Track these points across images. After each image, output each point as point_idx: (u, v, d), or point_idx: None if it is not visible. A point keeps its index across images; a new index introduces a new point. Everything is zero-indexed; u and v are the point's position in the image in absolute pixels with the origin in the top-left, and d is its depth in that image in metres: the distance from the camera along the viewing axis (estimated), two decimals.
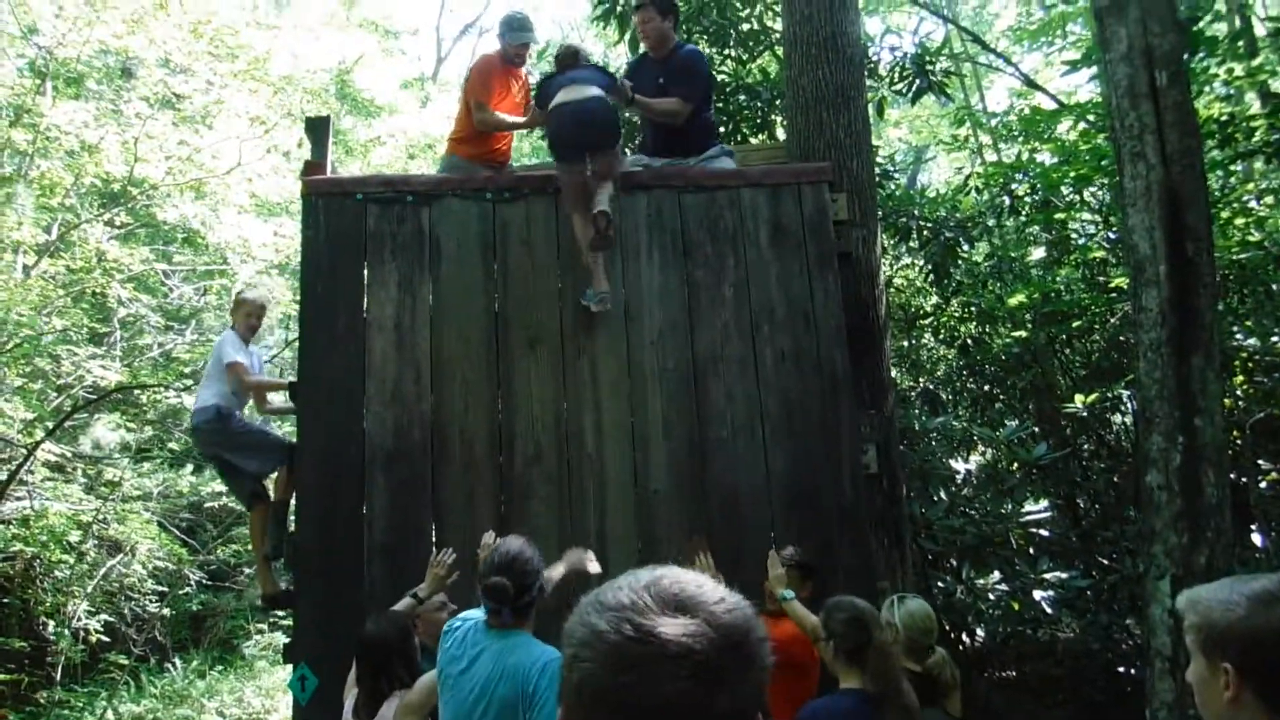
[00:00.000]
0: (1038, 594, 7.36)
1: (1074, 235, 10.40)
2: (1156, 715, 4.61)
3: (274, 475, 6.12)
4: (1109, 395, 8.60)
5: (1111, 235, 9.43)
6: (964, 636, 7.98)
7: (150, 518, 12.69)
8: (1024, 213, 10.27)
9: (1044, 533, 7.94)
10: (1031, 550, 7.92)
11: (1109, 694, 7.39)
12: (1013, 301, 9.50)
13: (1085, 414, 8.52)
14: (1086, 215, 10.31)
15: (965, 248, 9.95)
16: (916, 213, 9.57)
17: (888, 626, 3.99)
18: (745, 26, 9.82)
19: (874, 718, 3.36)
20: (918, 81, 9.37)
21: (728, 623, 1.13)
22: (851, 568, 4.99)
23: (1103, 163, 8.91)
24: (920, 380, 10.31)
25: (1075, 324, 9.43)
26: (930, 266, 9.62)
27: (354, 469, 5.11)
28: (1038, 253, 10.82)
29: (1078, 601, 7.63)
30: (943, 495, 7.99)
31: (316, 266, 5.43)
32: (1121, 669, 7.56)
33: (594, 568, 4.33)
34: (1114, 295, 9.01)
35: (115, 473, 12.86)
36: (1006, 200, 10.09)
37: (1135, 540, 7.21)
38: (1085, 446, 9.38)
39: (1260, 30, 11.77)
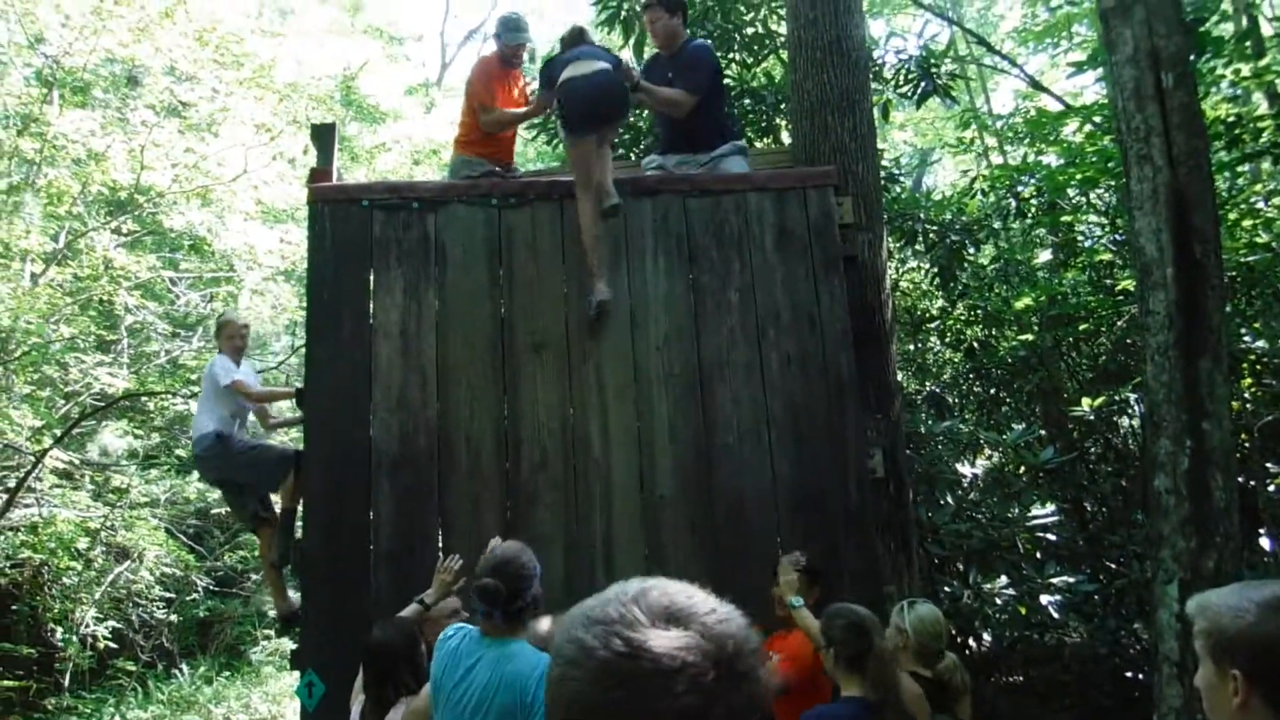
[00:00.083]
0: (1045, 598, 7.33)
1: (1080, 238, 10.38)
2: None
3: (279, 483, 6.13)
4: (1116, 398, 8.58)
5: (1118, 238, 9.41)
6: (970, 641, 7.96)
7: (158, 524, 12.72)
8: (1030, 215, 10.26)
9: (1051, 537, 7.91)
10: (1038, 554, 7.89)
11: (1116, 699, 7.36)
12: (1019, 304, 9.49)
13: (1092, 417, 8.50)
14: (1093, 218, 10.29)
15: (971, 251, 9.95)
16: (922, 216, 9.56)
17: (898, 632, 3.97)
18: (750, 30, 9.82)
19: None
20: (923, 84, 9.36)
21: (721, 634, 1.09)
22: (858, 572, 4.97)
23: (1109, 165, 8.89)
24: (926, 384, 10.30)
25: (1082, 327, 9.42)
26: (936, 270, 9.61)
27: (360, 475, 5.11)
28: (1044, 255, 10.81)
29: (1085, 606, 7.60)
30: (949, 499, 7.97)
31: (322, 273, 5.43)
32: (1129, 674, 7.53)
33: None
34: (1121, 298, 8.99)
35: (123, 480, 12.89)
36: (1012, 203, 10.08)
37: (1143, 544, 7.18)
38: (1092, 450, 9.36)
39: (1267, 30, 11.77)
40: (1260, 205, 9.50)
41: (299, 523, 5.74)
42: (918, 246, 9.74)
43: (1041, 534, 7.83)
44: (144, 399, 13.43)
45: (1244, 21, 11.93)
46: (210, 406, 6.11)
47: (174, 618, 13.17)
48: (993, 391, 10.31)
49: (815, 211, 5.55)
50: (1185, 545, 4.68)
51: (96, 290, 12.81)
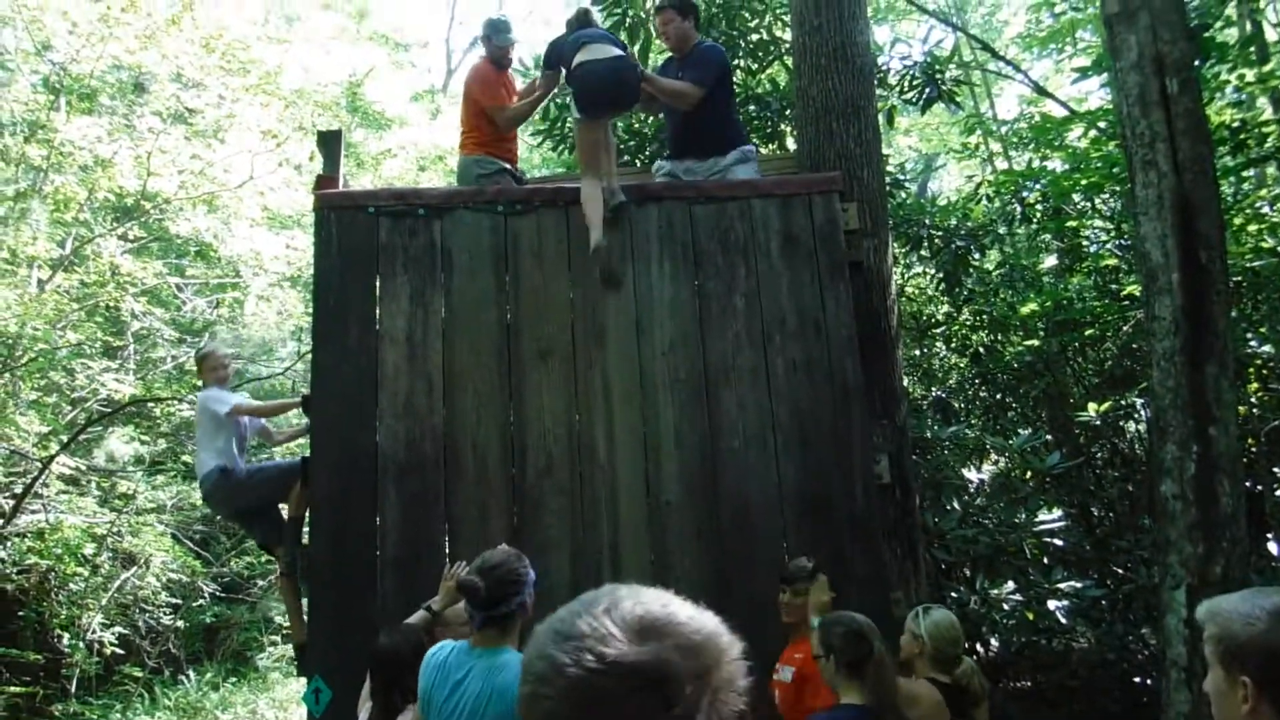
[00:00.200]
0: (1052, 604, 7.32)
1: (1086, 243, 10.38)
2: None
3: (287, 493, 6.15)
4: (1122, 403, 8.57)
5: (1123, 243, 9.41)
6: (978, 647, 7.94)
7: (164, 530, 12.75)
8: (1035, 221, 10.25)
9: (1058, 542, 7.89)
10: (1045, 560, 7.88)
11: (1124, 704, 7.35)
12: (1025, 310, 9.48)
13: (1098, 422, 8.49)
14: (1098, 223, 10.28)
15: (976, 256, 9.95)
16: (927, 221, 9.56)
17: (914, 639, 3.95)
18: (755, 37, 9.83)
19: None
20: (928, 90, 9.37)
21: (700, 644, 1.04)
22: (864, 578, 4.97)
23: (1114, 170, 8.89)
24: (932, 389, 10.29)
25: (1088, 332, 9.41)
26: (941, 275, 9.61)
27: (366, 482, 5.12)
28: (1049, 261, 10.81)
29: (1092, 611, 7.59)
30: (955, 505, 7.95)
31: (329, 279, 5.45)
32: (1137, 679, 7.52)
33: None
34: (1126, 303, 8.98)
35: (129, 485, 12.91)
36: (1018, 208, 10.08)
37: (1150, 549, 7.17)
38: (1099, 455, 9.35)
39: (1271, 35, 11.77)
40: (1265, 210, 9.50)
41: (306, 529, 5.76)
42: (923, 252, 9.75)
43: (1048, 539, 7.82)
44: (150, 405, 13.45)
45: (1248, 27, 11.92)
46: (209, 442, 6.13)
47: (180, 623, 13.18)
48: (999, 397, 10.31)
49: (820, 217, 5.55)
50: (1192, 551, 4.68)
51: (103, 296, 12.84)
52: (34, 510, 11.53)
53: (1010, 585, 7.43)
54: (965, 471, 8.48)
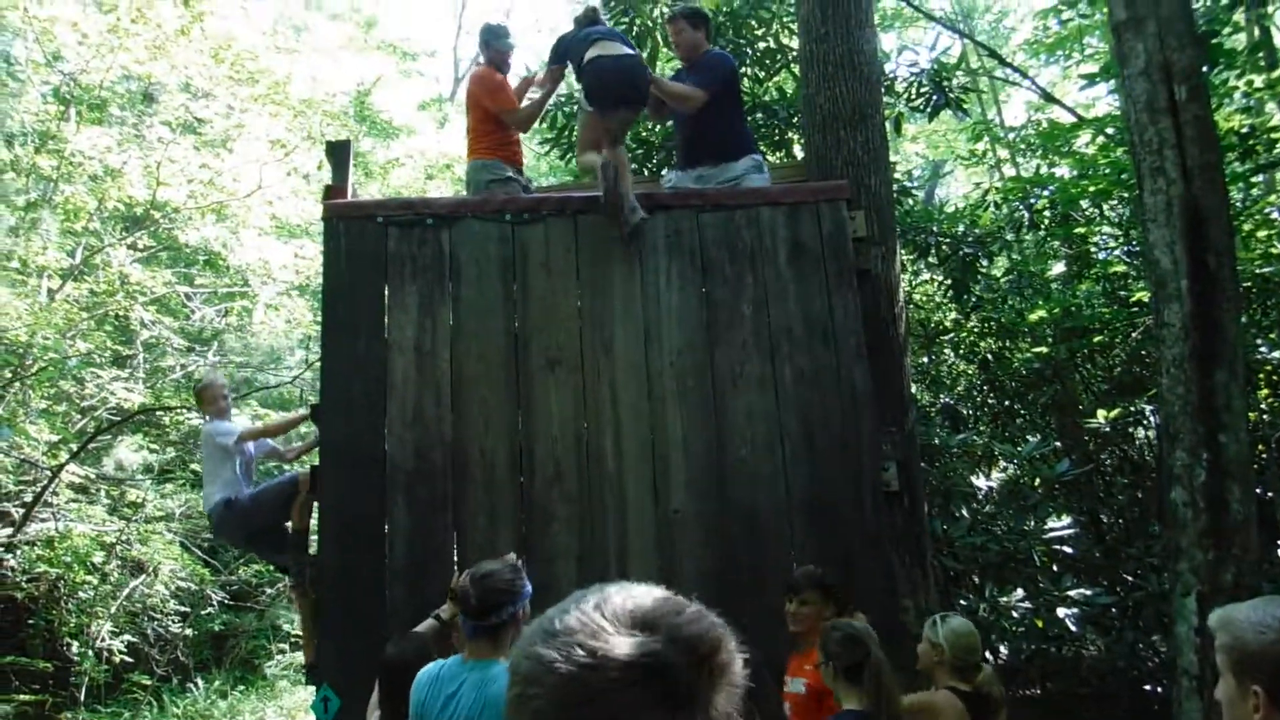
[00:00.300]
0: (1062, 611, 7.30)
1: (1094, 250, 10.36)
2: None
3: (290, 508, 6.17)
4: (1131, 410, 8.55)
5: (1132, 248, 9.39)
6: (987, 654, 7.92)
7: (172, 538, 12.77)
8: (1043, 227, 10.24)
9: (1067, 549, 7.88)
10: (1055, 567, 7.87)
11: (1135, 712, 7.32)
12: (1033, 317, 9.46)
13: (1108, 429, 8.47)
14: (1106, 229, 10.26)
15: (984, 263, 9.93)
16: (935, 229, 9.56)
17: (932, 647, 3.92)
18: (762, 45, 9.85)
19: None
20: (935, 97, 9.38)
21: (693, 635, 1.00)
22: (873, 587, 4.96)
23: (1122, 176, 8.88)
24: (940, 396, 10.27)
25: (1096, 339, 9.39)
26: (949, 282, 9.60)
27: (375, 490, 5.13)
28: (1058, 268, 10.78)
29: (1102, 619, 7.57)
30: (964, 512, 7.94)
31: (337, 289, 5.46)
32: (1147, 687, 7.49)
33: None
34: (1135, 310, 8.96)
35: (138, 494, 12.94)
36: (1025, 215, 10.07)
37: (1160, 556, 7.15)
38: (1108, 462, 9.33)
39: None
40: (1275, 216, 9.48)
41: (314, 537, 5.78)
42: (931, 259, 9.74)
43: (1058, 546, 7.81)
44: (159, 414, 13.49)
45: (1256, 33, 11.90)
46: (215, 474, 6.15)
47: (189, 632, 13.19)
48: (1007, 404, 10.29)
49: (828, 225, 5.55)
50: (1203, 558, 4.67)
51: (112, 305, 12.89)
52: (44, 518, 11.57)
53: (1019, 593, 7.42)
54: (974, 479, 8.46)
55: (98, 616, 11.70)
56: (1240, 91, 9.15)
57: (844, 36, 6.88)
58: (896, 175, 9.36)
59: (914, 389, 7.88)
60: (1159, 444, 7.53)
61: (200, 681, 12.77)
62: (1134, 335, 9.20)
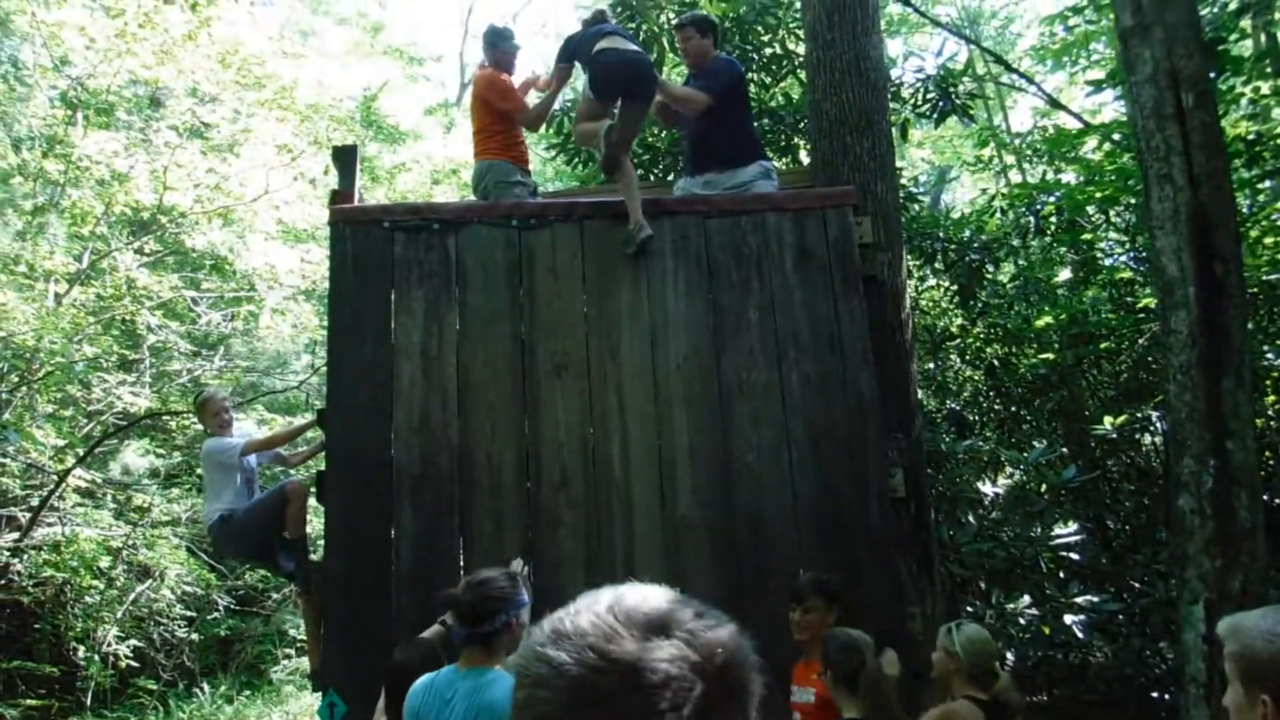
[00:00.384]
0: (1068, 618, 7.28)
1: (1100, 255, 10.35)
2: None
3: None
4: (1138, 416, 8.53)
5: (1138, 254, 9.38)
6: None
7: (179, 543, 12.76)
8: (1050, 233, 10.24)
9: (1074, 556, 7.86)
10: (1061, 574, 7.85)
11: (1142, 719, 7.29)
12: (1039, 323, 9.46)
13: (1114, 435, 8.45)
14: (1113, 235, 10.26)
15: (990, 269, 9.93)
16: (941, 234, 9.55)
17: (948, 656, 3.85)
18: (768, 51, 9.86)
19: None
20: (941, 103, 9.38)
21: (710, 641, 0.97)
22: (880, 593, 4.95)
23: (1129, 183, 8.88)
24: (947, 402, 10.26)
25: (1103, 345, 9.38)
26: (956, 288, 9.59)
27: (382, 495, 5.13)
28: (1064, 274, 10.78)
29: (1109, 625, 7.55)
30: (971, 519, 7.93)
31: (344, 294, 5.47)
32: (1154, 694, 7.47)
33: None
34: (1142, 316, 8.96)
35: (144, 498, 12.95)
36: (1032, 221, 10.06)
37: (1167, 563, 7.13)
38: (1114, 468, 9.31)
39: None
40: None
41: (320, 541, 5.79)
42: (937, 265, 9.74)
43: (1064, 553, 7.79)
44: (166, 418, 13.51)
45: (1263, 40, 11.90)
46: (217, 490, 6.14)
47: (195, 636, 13.20)
48: (1013, 410, 10.27)
49: (834, 231, 5.55)
50: (1210, 565, 4.66)
51: (119, 310, 12.91)
52: (50, 523, 11.58)
53: (1026, 599, 7.40)
54: (980, 485, 8.45)
55: (104, 621, 11.71)
56: (1247, 98, 9.15)
57: (850, 42, 6.89)
58: (903, 181, 9.35)
59: (920, 395, 7.87)
60: (1166, 451, 7.53)
61: (206, 686, 12.76)
62: (1140, 341, 9.19)
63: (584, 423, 5.26)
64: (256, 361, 17.00)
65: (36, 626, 11.34)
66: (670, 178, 7.90)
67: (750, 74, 9.70)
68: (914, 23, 20.31)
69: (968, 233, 10.04)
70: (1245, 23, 9.97)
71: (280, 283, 14.61)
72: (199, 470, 14.23)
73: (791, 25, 9.56)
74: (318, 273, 14.16)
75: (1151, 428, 8.85)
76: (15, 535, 11.13)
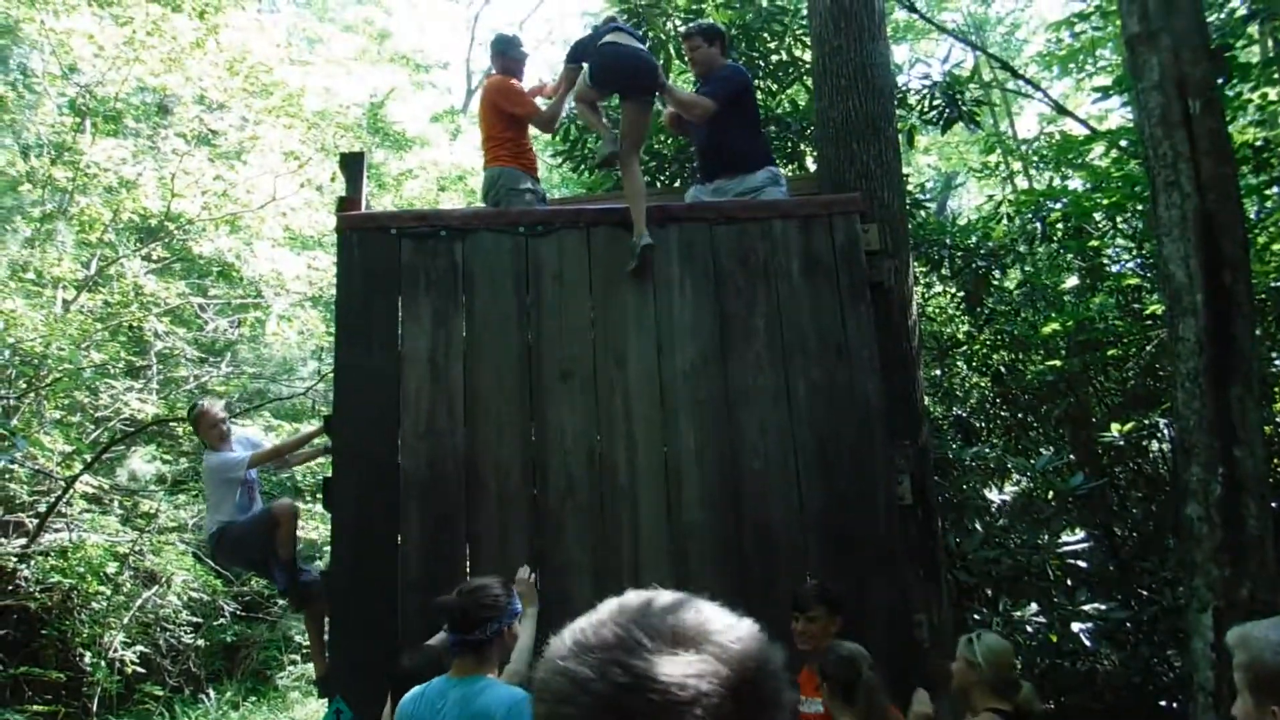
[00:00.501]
0: (1076, 626, 7.25)
1: (1107, 262, 10.33)
2: None
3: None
4: (1145, 423, 8.50)
5: (1145, 260, 9.36)
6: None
7: (185, 549, 12.79)
8: (1056, 240, 10.21)
9: (1081, 564, 7.83)
10: (1069, 581, 7.82)
11: None
12: (1046, 329, 9.43)
13: (1122, 443, 8.42)
14: (1120, 242, 10.23)
15: (997, 275, 9.91)
16: (948, 241, 9.54)
17: (969, 666, 3.78)
18: (775, 58, 9.87)
19: None
20: (947, 110, 9.37)
21: (740, 654, 0.93)
22: (887, 600, 4.94)
23: (1136, 189, 8.86)
24: (953, 409, 10.24)
25: (1110, 352, 9.35)
26: (962, 295, 9.57)
27: (388, 502, 5.13)
28: (1071, 280, 10.75)
29: (1117, 633, 7.52)
30: (978, 526, 7.90)
31: (351, 301, 5.48)
32: (1162, 702, 7.43)
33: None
34: (1149, 323, 8.93)
35: (151, 505, 12.97)
36: (1039, 227, 10.04)
37: (1175, 570, 7.11)
38: (1122, 476, 9.28)
39: None
40: None
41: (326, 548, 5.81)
42: (944, 271, 9.72)
43: (1072, 560, 7.76)
44: (173, 424, 13.53)
45: (1270, 46, 11.89)
46: (217, 502, 6.17)
47: (201, 642, 13.21)
48: (1020, 417, 10.24)
49: (841, 238, 5.55)
50: (1219, 573, 4.64)
51: (127, 316, 12.96)
52: (57, 529, 11.60)
53: (1033, 607, 7.37)
54: (987, 492, 8.42)
55: (110, 627, 11.72)
56: (1254, 105, 9.12)
57: (857, 49, 6.89)
58: (909, 188, 9.34)
59: (927, 402, 7.86)
60: (1174, 458, 7.50)
61: (212, 692, 12.77)
62: (1148, 348, 9.17)
63: (590, 430, 5.27)
64: (263, 368, 17.04)
65: (43, 632, 11.36)
66: (677, 184, 7.89)
67: (757, 81, 9.70)
68: (920, 29, 20.31)
69: (974, 239, 10.02)
70: (1253, 29, 9.96)
71: (287, 289, 14.64)
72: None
73: (798, 32, 9.57)
74: (325, 279, 14.17)
75: (1159, 435, 8.81)
76: (23, 541, 11.14)
